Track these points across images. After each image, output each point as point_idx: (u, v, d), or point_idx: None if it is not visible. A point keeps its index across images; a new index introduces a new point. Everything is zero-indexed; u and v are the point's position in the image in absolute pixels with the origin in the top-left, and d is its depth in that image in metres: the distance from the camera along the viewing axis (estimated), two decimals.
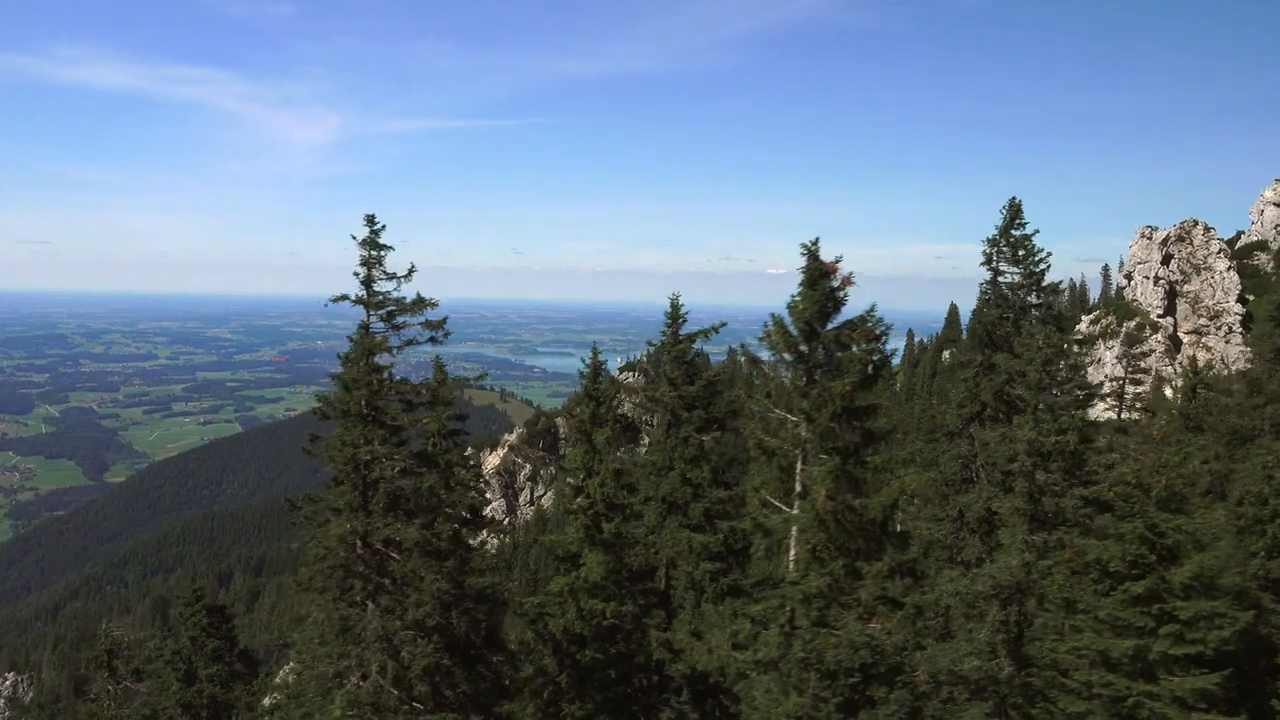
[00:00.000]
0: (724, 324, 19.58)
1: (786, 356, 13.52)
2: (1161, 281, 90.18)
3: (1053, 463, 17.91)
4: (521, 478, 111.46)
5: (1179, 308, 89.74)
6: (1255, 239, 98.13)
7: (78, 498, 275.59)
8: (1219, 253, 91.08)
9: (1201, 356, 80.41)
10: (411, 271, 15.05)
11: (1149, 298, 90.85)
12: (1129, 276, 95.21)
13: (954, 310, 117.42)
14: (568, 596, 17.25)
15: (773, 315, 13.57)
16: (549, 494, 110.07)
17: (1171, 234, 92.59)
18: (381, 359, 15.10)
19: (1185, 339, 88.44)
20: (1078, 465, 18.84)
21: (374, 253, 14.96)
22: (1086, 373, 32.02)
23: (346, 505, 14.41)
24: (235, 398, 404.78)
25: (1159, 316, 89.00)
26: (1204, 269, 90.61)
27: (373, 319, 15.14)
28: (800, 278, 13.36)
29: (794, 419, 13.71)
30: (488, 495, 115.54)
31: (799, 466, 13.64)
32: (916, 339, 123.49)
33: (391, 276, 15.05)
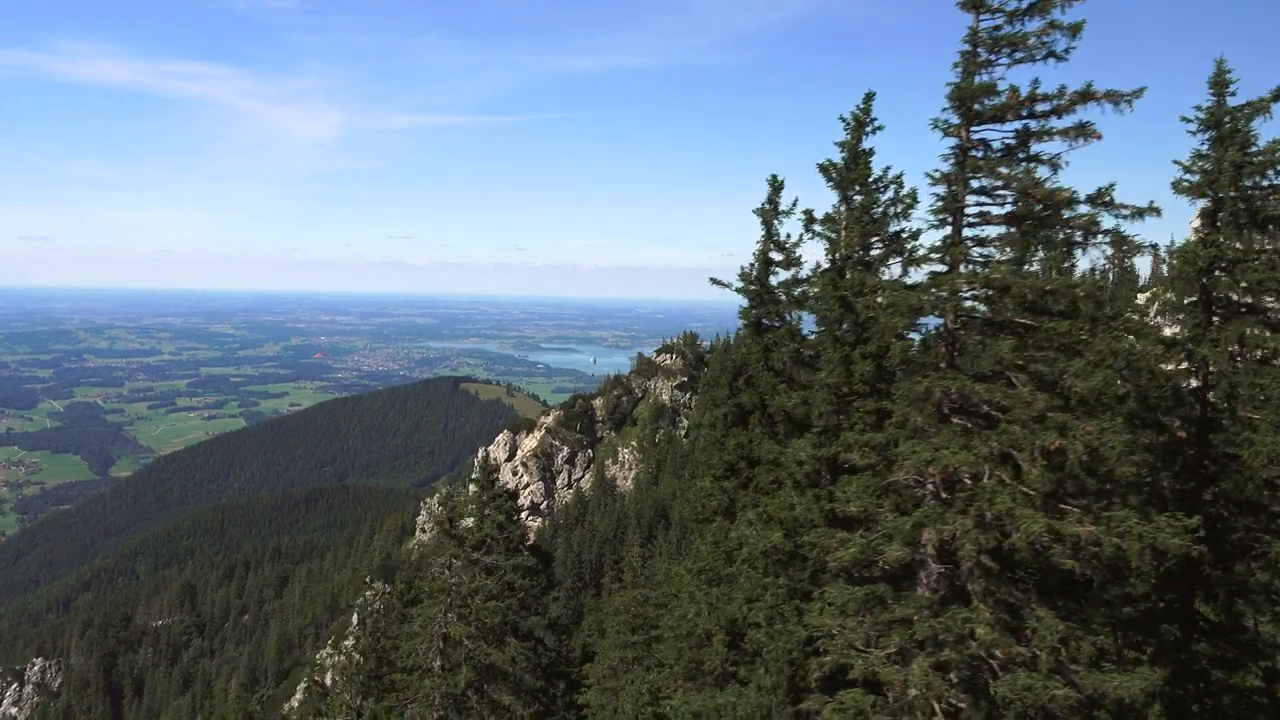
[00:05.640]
0: None
1: None
2: None
3: None
4: (559, 460, 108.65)
5: None
6: None
7: (84, 492, 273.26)
8: None
9: None
10: None
11: None
12: None
13: None
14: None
15: None
16: (586, 476, 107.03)
17: None
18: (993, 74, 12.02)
19: None
20: None
21: None
22: None
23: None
24: (239, 393, 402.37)
25: None
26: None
27: (983, 22, 11.92)
28: None
29: None
30: (524, 479, 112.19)
31: None
32: None
33: None
